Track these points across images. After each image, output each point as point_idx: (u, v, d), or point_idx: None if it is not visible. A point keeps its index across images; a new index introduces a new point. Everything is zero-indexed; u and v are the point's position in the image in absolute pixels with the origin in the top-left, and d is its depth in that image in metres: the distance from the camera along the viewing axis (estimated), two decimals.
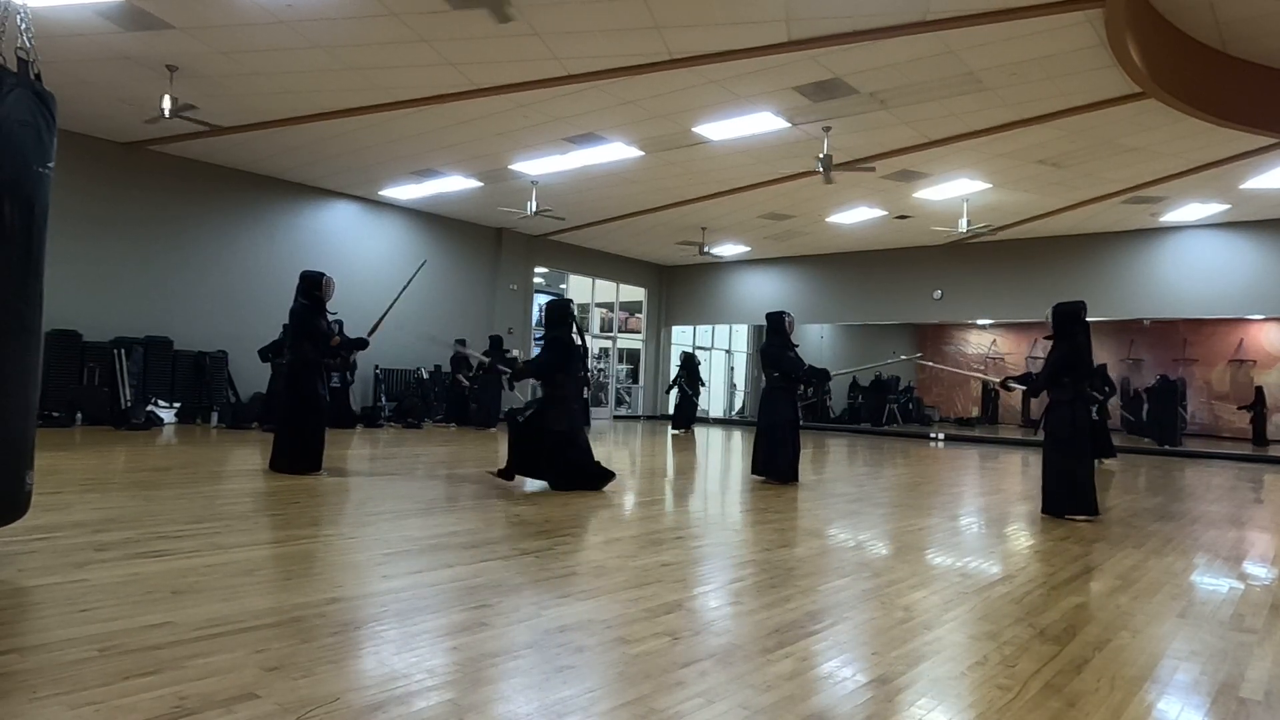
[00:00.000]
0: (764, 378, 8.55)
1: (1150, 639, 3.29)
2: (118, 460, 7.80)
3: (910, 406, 21.44)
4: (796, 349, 8.29)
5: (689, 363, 17.18)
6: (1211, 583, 4.45)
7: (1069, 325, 6.57)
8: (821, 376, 8.30)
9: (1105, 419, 12.17)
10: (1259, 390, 17.85)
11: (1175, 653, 3.12)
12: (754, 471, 8.18)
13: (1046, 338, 6.77)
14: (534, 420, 7.00)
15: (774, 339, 8.23)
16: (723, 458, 11.75)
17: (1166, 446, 15.51)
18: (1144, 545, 5.42)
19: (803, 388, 8.47)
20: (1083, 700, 2.56)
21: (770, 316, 8.31)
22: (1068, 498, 6.49)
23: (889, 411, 20.52)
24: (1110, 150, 10.57)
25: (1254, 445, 16.81)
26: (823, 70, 8.35)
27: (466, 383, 15.05)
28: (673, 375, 18.12)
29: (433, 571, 3.88)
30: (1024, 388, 7.16)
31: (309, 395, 7.13)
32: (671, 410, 17.49)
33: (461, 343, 13.40)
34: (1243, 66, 8.50)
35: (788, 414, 8.11)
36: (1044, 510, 6.62)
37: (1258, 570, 4.88)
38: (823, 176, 10.37)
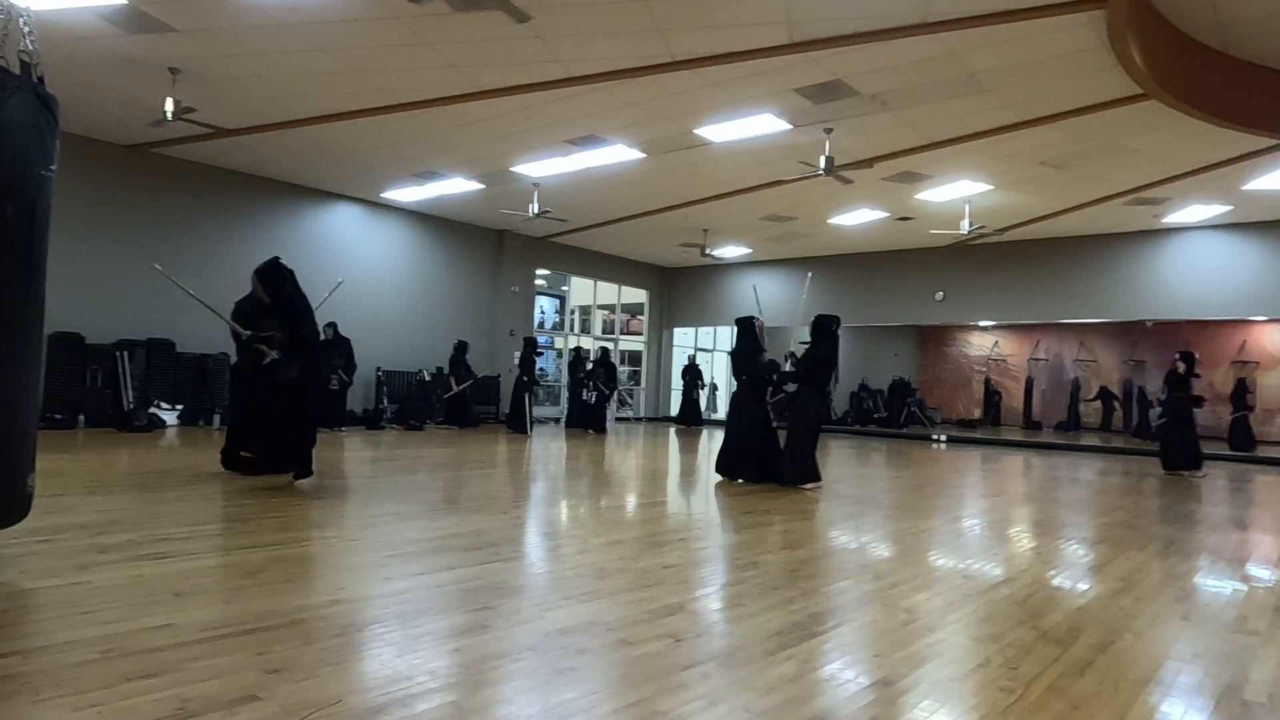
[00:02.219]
0: (735, 381, 8.88)
1: (1153, 641, 3.28)
2: (120, 462, 7.81)
3: (914, 409, 21.44)
4: (765, 352, 8.54)
5: (605, 360, 16.12)
6: (1215, 585, 4.44)
7: (820, 334, 7.89)
8: (772, 367, 8.56)
9: (1194, 426, 11.23)
10: (1140, 387, 18.36)
11: (1178, 655, 3.11)
12: (718, 470, 8.33)
13: (802, 343, 7.84)
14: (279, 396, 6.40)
15: (744, 342, 8.47)
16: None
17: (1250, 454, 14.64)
18: (1147, 547, 5.41)
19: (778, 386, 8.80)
20: (1086, 703, 2.55)
21: (740, 321, 8.57)
22: (799, 471, 7.75)
23: (907, 413, 20.54)
24: (1112, 151, 10.56)
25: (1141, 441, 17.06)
26: (824, 72, 8.35)
27: (456, 387, 14.98)
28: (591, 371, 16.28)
29: (435, 573, 3.87)
30: (790, 371, 8.24)
31: (240, 397, 7.21)
32: (585, 410, 15.78)
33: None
34: (1245, 68, 8.49)
35: (757, 414, 8.30)
36: (784, 481, 7.76)
37: (1261, 572, 4.87)
38: (836, 178, 10.37)
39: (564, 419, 17.08)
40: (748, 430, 8.17)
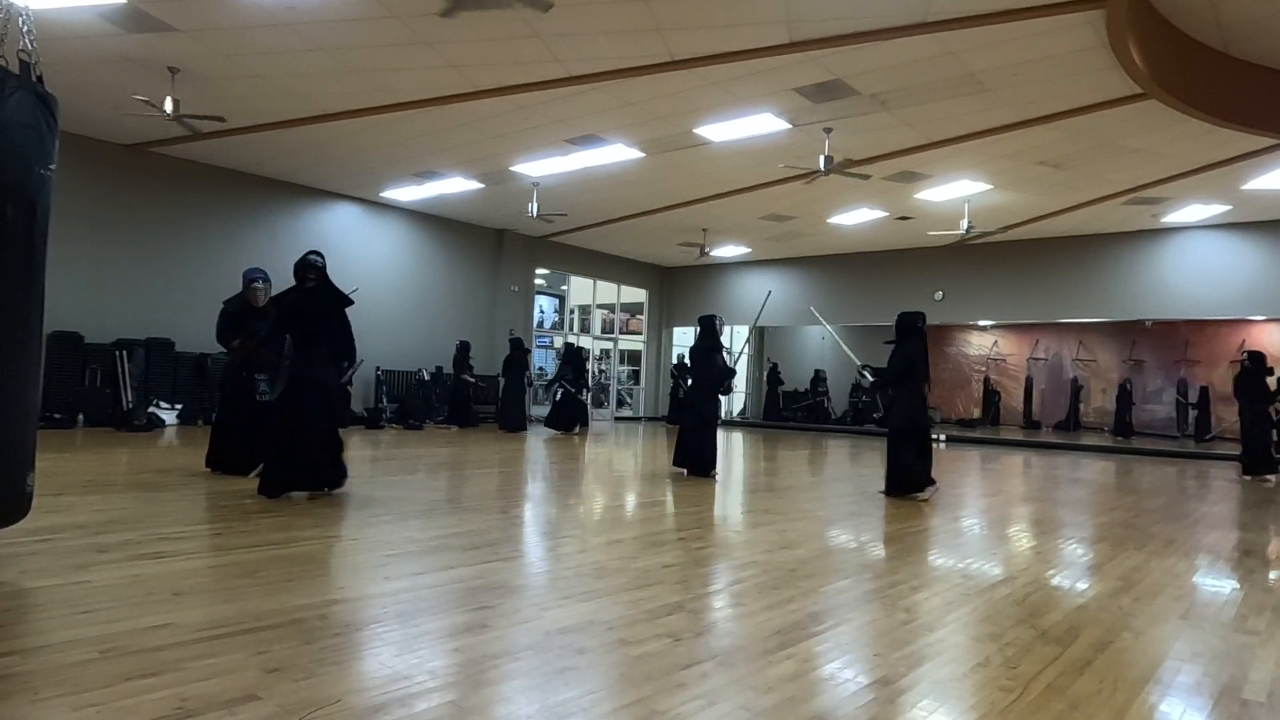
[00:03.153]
0: (693, 377, 9.01)
1: (1152, 641, 3.28)
2: (119, 462, 7.80)
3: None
4: (725, 350, 8.80)
5: (573, 357, 15.21)
6: (1214, 584, 4.44)
7: (904, 332, 7.48)
8: (728, 374, 8.82)
9: (1273, 429, 10.64)
10: (1204, 390, 18.13)
11: (1177, 654, 3.11)
12: (675, 464, 8.56)
13: (887, 342, 7.57)
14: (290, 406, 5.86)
15: (703, 341, 8.71)
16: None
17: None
18: (1146, 546, 5.42)
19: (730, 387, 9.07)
20: (1085, 702, 2.56)
21: (702, 319, 8.80)
22: (908, 477, 7.25)
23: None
24: (1111, 151, 10.57)
25: (1195, 441, 17.01)
26: (824, 72, 8.35)
27: (472, 380, 14.98)
28: (558, 370, 15.25)
29: (434, 573, 3.87)
30: (871, 380, 7.89)
31: (226, 396, 7.13)
32: (556, 409, 14.91)
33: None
34: (1244, 67, 8.49)
35: (709, 413, 8.55)
36: (886, 491, 7.36)
37: (1260, 571, 4.87)
38: (818, 175, 10.38)
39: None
40: (697, 426, 8.45)
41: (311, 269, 6.02)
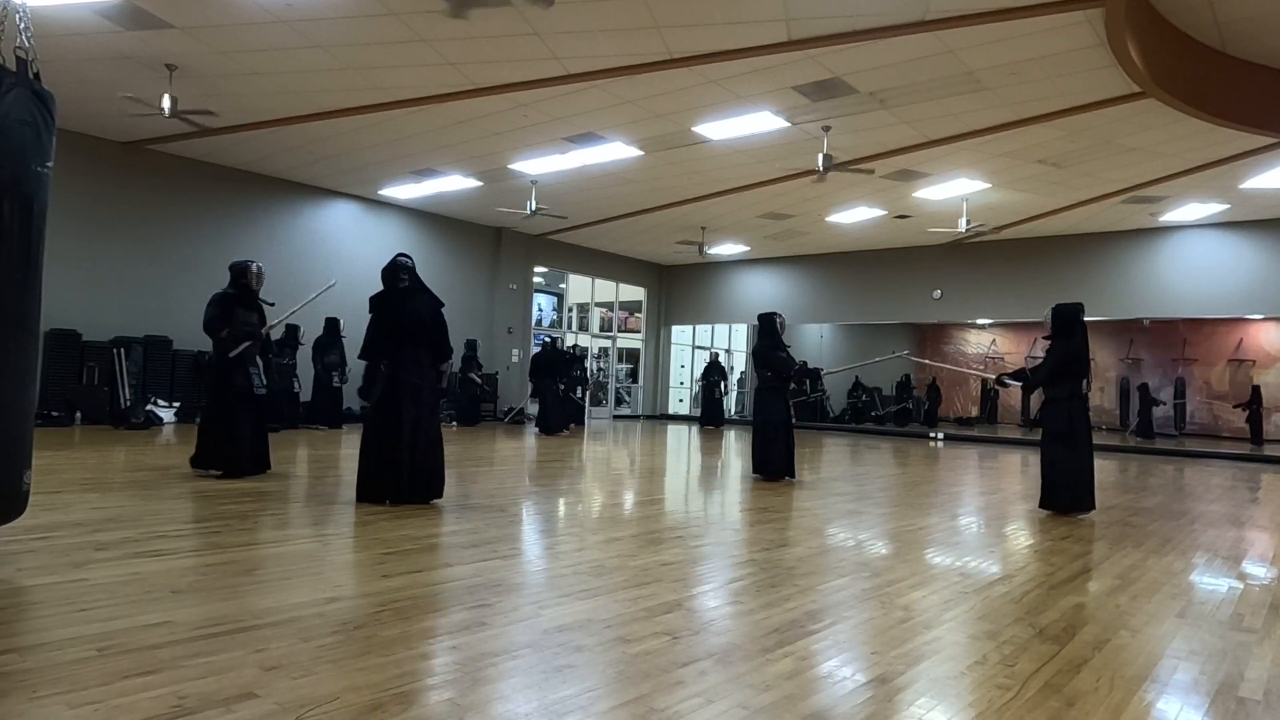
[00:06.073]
0: (758, 377, 8.70)
1: (1149, 638, 3.29)
2: (117, 459, 7.79)
3: (911, 406, 21.48)
4: (788, 349, 8.47)
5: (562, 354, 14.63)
6: (1211, 582, 4.45)
7: (1067, 326, 6.71)
8: (812, 375, 8.55)
9: None
10: (1255, 389, 17.85)
11: (1174, 652, 3.11)
12: (755, 470, 8.29)
13: (1045, 337, 6.93)
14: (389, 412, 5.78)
15: (765, 339, 8.43)
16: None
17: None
18: (1143, 545, 5.42)
19: (800, 384, 8.57)
20: (1082, 700, 2.56)
21: (762, 317, 8.52)
22: (1067, 493, 6.58)
23: (902, 410, 20.77)
24: (1110, 150, 10.58)
25: (1251, 444, 16.79)
26: (822, 70, 8.35)
27: (478, 380, 14.94)
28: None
29: (432, 570, 3.88)
30: (1018, 384, 7.25)
31: (216, 388, 6.73)
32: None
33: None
34: (1242, 66, 8.50)
35: (779, 412, 8.25)
36: (1041, 505, 6.72)
37: (1257, 570, 4.88)
38: (818, 175, 10.39)
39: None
40: (769, 428, 8.18)
41: (404, 270, 6.02)
